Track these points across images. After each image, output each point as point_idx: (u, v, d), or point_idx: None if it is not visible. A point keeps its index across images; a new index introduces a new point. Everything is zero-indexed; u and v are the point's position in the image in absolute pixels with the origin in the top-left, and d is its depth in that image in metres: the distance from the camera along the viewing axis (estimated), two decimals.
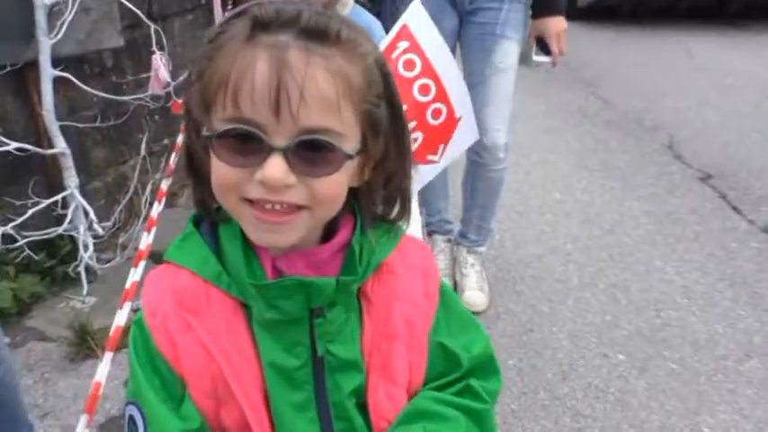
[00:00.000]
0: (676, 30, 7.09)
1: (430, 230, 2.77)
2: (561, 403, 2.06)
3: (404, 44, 1.63)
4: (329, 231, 0.78)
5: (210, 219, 0.79)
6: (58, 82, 2.45)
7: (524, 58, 2.39)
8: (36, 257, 2.47)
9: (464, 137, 1.74)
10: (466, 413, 0.82)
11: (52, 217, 2.55)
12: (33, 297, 2.51)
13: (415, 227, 3.09)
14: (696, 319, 2.48)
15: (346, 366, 0.78)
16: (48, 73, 2.40)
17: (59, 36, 2.39)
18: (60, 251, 2.58)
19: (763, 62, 5.81)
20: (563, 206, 3.38)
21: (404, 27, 1.63)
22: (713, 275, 2.77)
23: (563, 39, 2.31)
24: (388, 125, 0.74)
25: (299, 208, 0.70)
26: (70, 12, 2.41)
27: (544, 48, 2.34)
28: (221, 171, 0.69)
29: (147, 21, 2.80)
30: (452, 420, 0.81)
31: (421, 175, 1.75)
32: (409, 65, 1.64)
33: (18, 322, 2.42)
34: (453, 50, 2.37)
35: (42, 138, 2.52)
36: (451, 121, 1.68)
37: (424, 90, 1.65)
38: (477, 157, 2.44)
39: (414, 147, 1.64)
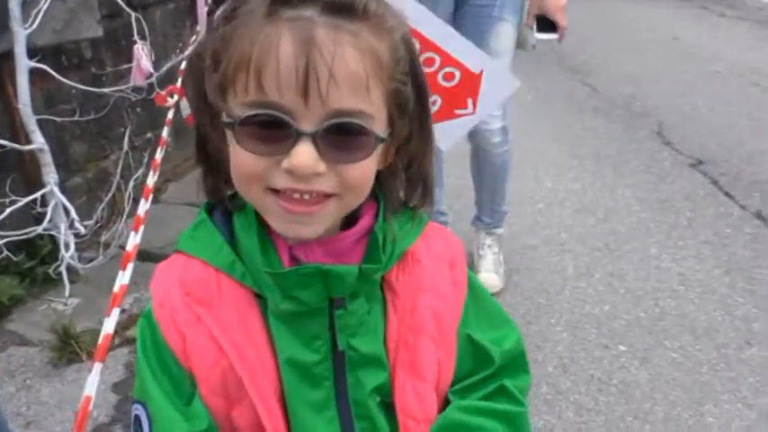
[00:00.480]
0: (663, 16, 7.09)
1: None
2: (564, 397, 2.02)
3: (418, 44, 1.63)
4: (350, 218, 0.73)
5: (223, 207, 0.74)
6: (34, 74, 2.35)
7: (521, 42, 2.35)
8: (15, 258, 2.37)
9: (499, 85, 1.74)
10: (502, 420, 0.77)
11: (31, 216, 2.45)
12: (13, 300, 2.41)
13: None
14: (694, 308, 2.45)
15: (369, 362, 0.73)
16: (23, 64, 2.30)
17: (35, 26, 2.29)
18: (40, 251, 2.49)
19: (748, 48, 5.82)
20: (555, 195, 3.34)
21: (415, 30, 1.61)
22: (709, 262, 2.74)
23: (564, 13, 2.28)
24: (413, 105, 0.70)
25: (328, 196, 0.66)
26: (46, 0, 2.31)
27: (544, 26, 2.30)
28: (244, 160, 0.64)
29: (127, 9, 2.70)
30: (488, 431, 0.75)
31: (455, 130, 1.77)
32: (429, 61, 1.66)
33: None
34: None
35: (19, 133, 2.42)
36: (472, 78, 1.69)
37: (429, 62, 1.65)
38: (476, 142, 2.46)
39: (433, 110, 1.64)
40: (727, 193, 3.32)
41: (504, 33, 2.28)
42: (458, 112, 1.71)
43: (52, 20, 2.43)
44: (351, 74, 0.62)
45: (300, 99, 0.61)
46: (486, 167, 2.54)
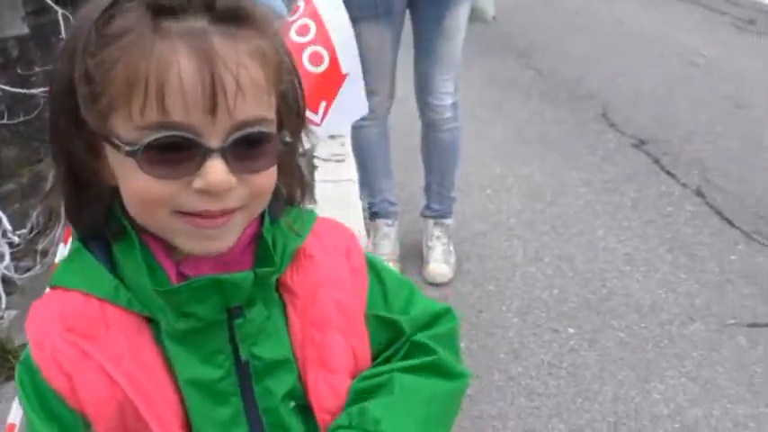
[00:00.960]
0: None
1: (372, 213, 2.70)
2: (516, 383, 2.05)
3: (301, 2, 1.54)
4: None
5: (100, 236, 0.70)
6: None
7: (479, 15, 2.36)
8: None
9: (351, 104, 1.58)
10: (414, 371, 0.76)
11: None
12: None
13: (355, 211, 3.03)
14: (639, 286, 2.51)
15: (275, 367, 0.71)
16: None
17: None
18: None
19: (687, 29, 5.96)
20: (504, 180, 3.37)
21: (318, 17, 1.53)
22: (653, 241, 2.81)
23: None
24: (295, 101, 0.70)
25: (236, 208, 0.64)
26: None
27: None
28: (149, 186, 0.61)
29: (53, 5, 2.58)
30: (385, 386, 0.74)
31: (344, 104, 1.59)
32: (304, 30, 1.53)
33: None
34: (403, 23, 2.33)
35: None
36: (336, 75, 1.54)
37: (304, 30, 1.52)
38: (426, 116, 2.50)
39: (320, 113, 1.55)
40: (668, 172, 3.41)
41: (458, 14, 2.31)
42: (307, 114, 1.58)
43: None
44: (253, 82, 0.61)
45: (208, 116, 0.59)
46: (434, 146, 2.57)
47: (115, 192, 0.66)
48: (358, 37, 2.32)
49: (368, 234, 2.79)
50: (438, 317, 0.83)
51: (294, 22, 1.53)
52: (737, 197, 3.11)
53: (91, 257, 0.69)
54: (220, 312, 0.67)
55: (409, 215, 2.91)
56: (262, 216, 0.71)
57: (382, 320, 0.78)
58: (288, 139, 0.67)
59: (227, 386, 0.69)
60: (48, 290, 0.71)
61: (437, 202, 2.65)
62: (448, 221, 2.67)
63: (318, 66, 1.53)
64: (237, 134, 0.61)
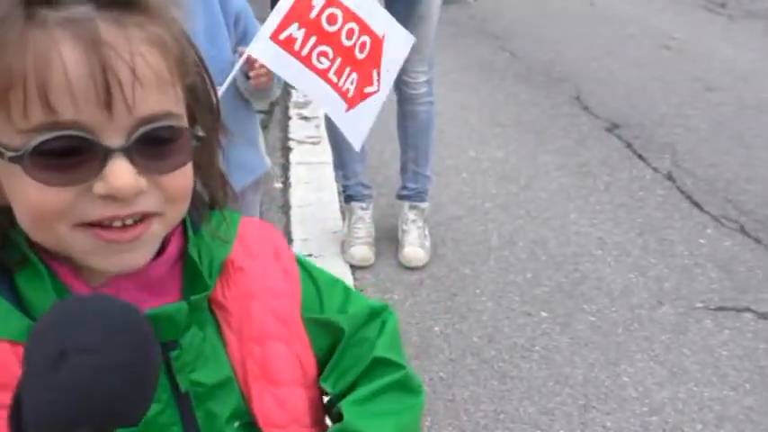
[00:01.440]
0: None
1: (347, 196, 2.69)
2: (489, 366, 2.07)
3: (319, 1, 1.51)
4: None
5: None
6: None
7: None
8: None
9: (396, 48, 1.66)
10: (393, 390, 0.75)
11: None
12: None
13: (329, 194, 3.01)
14: (611, 270, 2.55)
15: (216, 390, 0.67)
16: None
17: None
18: None
19: (658, 11, 6.01)
20: (479, 164, 3.38)
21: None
22: (624, 225, 2.85)
23: None
24: (205, 95, 0.64)
25: (150, 215, 0.58)
26: None
27: None
28: (42, 196, 0.53)
29: None
30: (393, 409, 0.73)
31: (367, 112, 1.67)
32: (332, 19, 1.53)
33: None
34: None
35: None
36: (377, 44, 1.58)
37: (350, 34, 1.55)
38: (401, 91, 2.53)
39: (352, 89, 1.59)
40: (640, 156, 3.45)
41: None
42: (366, 91, 1.60)
43: None
44: (153, 72, 0.54)
45: (103, 111, 0.52)
46: (410, 122, 2.59)
47: (9, 213, 0.58)
48: None
49: (343, 217, 2.78)
50: (376, 313, 0.80)
51: (320, 15, 1.50)
52: (707, 181, 3.17)
53: None
54: None
55: (385, 199, 2.91)
56: (185, 228, 0.66)
57: (321, 323, 0.75)
58: (200, 133, 0.61)
59: (167, 418, 0.64)
60: None
61: (413, 180, 2.65)
62: (423, 205, 2.67)
63: (364, 52, 1.55)
64: (142, 130, 0.54)
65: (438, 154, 3.41)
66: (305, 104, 3.91)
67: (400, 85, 2.50)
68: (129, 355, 0.48)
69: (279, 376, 0.69)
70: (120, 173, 0.53)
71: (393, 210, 2.78)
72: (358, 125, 1.68)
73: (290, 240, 2.70)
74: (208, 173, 0.67)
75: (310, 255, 2.59)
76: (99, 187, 0.53)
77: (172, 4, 0.59)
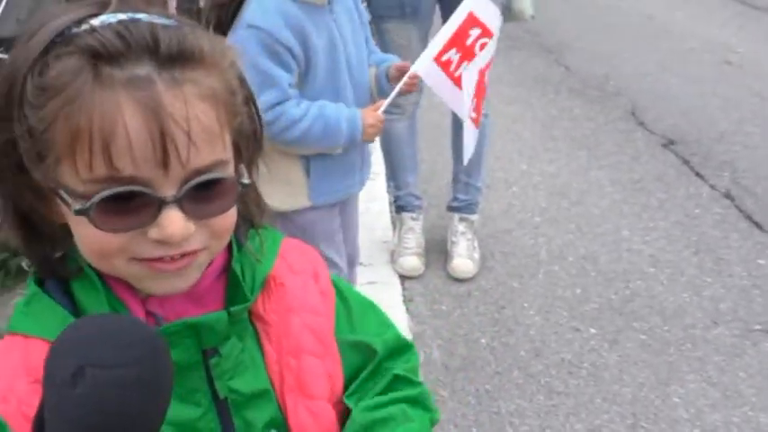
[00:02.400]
0: None
1: (398, 206, 2.73)
2: (535, 381, 2.07)
3: (475, 31, 1.67)
4: None
5: (57, 275, 0.66)
6: None
7: (516, 14, 2.37)
8: None
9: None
10: (407, 403, 0.78)
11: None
12: None
13: (381, 204, 3.06)
14: (663, 289, 2.51)
15: (253, 399, 0.70)
16: None
17: None
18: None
19: (720, 26, 5.85)
20: (530, 178, 3.37)
21: (470, 14, 1.67)
22: (679, 243, 2.80)
23: None
24: (251, 125, 0.68)
25: (197, 250, 0.63)
26: None
27: None
28: (101, 239, 0.59)
29: None
30: (399, 417, 0.76)
31: (474, 135, 1.92)
32: (483, 47, 1.71)
33: None
34: (431, 22, 2.35)
35: None
36: (483, 76, 1.80)
37: (487, 65, 1.77)
38: None
39: (473, 113, 1.79)
40: (697, 173, 3.38)
41: None
42: (477, 119, 1.84)
43: (16, 9, 2.37)
44: (206, 129, 0.58)
45: (160, 170, 0.57)
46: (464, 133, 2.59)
47: (67, 230, 0.63)
48: (385, 35, 2.37)
49: (393, 227, 2.82)
50: (406, 347, 0.83)
51: (474, 44, 1.68)
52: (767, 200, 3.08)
53: (50, 301, 0.65)
54: (196, 354, 0.66)
55: (435, 210, 2.94)
56: (230, 244, 0.69)
57: (354, 344, 0.78)
58: (245, 181, 0.64)
59: (207, 423, 0.67)
60: (5, 335, 0.66)
61: (463, 192, 2.67)
62: (473, 217, 2.69)
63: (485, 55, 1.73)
64: (193, 182, 0.58)
65: (489, 167, 3.43)
66: None
67: None
68: (142, 369, 0.50)
69: (312, 390, 0.73)
70: (172, 221, 0.58)
71: (443, 221, 2.81)
72: (472, 143, 1.87)
73: None
74: (249, 197, 0.70)
75: (360, 263, 2.64)
76: (153, 233, 0.59)
77: (228, 49, 0.63)
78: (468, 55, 1.66)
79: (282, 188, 1.61)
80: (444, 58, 1.62)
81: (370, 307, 0.84)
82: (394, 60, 1.70)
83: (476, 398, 1.99)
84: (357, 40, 1.64)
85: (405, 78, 1.64)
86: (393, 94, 1.64)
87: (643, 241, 2.81)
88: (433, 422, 0.80)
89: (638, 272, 2.61)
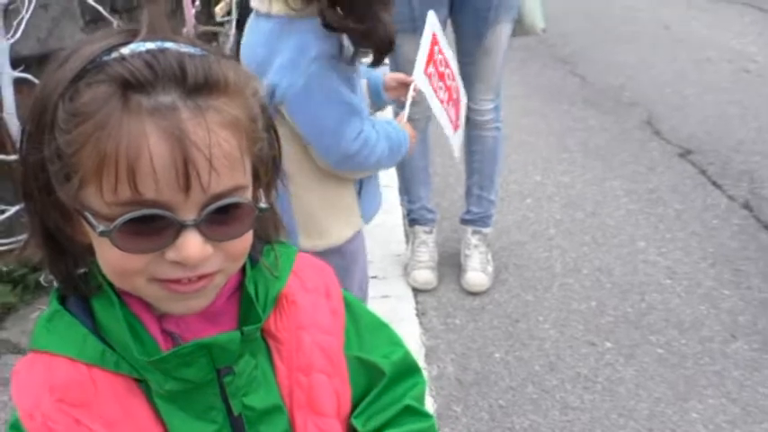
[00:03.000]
0: (652, 3, 7.05)
1: (411, 220, 2.73)
2: (550, 396, 2.05)
3: (437, 48, 1.77)
4: None
5: (79, 292, 0.69)
6: (20, 83, 2.35)
7: (528, 28, 2.40)
8: (6, 268, 2.39)
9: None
10: None
11: (21, 224, 2.46)
12: (5, 307, 2.43)
13: (394, 217, 3.06)
14: (680, 301, 2.48)
15: (266, 415, 0.72)
16: (6, 75, 2.30)
17: (17, 36, 2.29)
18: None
19: (738, 34, 5.80)
20: (544, 189, 3.35)
21: (434, 35, 1.76)
22: (696, 254, 2.76)
23: None
24: (269, 148, 0.69)
25: (213, 273, 0.65)
26: (27, 10, 2.31)
27: None
28: (123, 259, 0.62)
29: (109, 17, 2.69)
30: None
31: (459, 136, 2.01)
32: (442, 63, 1.80)
33: None
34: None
35: (6, 142, 2.42)
36: (458, 90, 1.92)
37: (450, 77, 1.83)
38: (467, 117, 2.55)
39: (453, 118, 1.87)
40: (715, 183, 3.34)
41: (499, 33, 2.35)
42: (459, 123, 1.95)
43: (35, 29, 2.42)
44: (227, 156, 0.60)
45: (181, 194, 0.59)
46: (477, 147, 2.59)
47: (90, 248, 0.65)
48: (397, 49, 2.38)
49: (407, 240, 2.82)
50: (414, 370, 0.84)
51: (438, 59, 1.77)
52: None
53: (72, 319, 0.68)
54: (210, 372, 0.68)
55: (448, 223, 2.94)
56: (244, 263, 0.71)
57: (363, 362, 0.79)
58: (263, 204, 0.66)
59: None
60: (29, 353, 0.69)
61: (477, 205, 2.66)
62: (486, 230, 2.68)
63: (449, 81, 1.84)
64: (212, 207, 0.61)
65: (503, 179, 3.42)
66: None
67: (467, 111, 2.54)
68: None
69: (322, 407, 0.74)
70: (191, 244, 0.60)
71: (456, 234, 2.80)
72: (458, 143, 2.01)
73: None
74: (264, 211, 0.72)
75: (374, 276, 2.64)
76: (171, 255, 0.61)
77: (252, 79, 0.65)
78: (437, 70, 1.77)
79: (339, 216, 1.54)
80: (429, 70, 1.71)
81: (380, 326, 0.84)
82: (379, 73, 1.69)
83: (489, 413, 1.97)
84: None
85: (411, 90, 1.65)
86: (407, 106, 1.65)
87: (659, 253, 2.78)
88: None
89: (655, 284, 2.58)
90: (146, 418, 0.68)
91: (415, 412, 0.80)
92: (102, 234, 0.60)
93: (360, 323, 0.81)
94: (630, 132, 3.99)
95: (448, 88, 1.83)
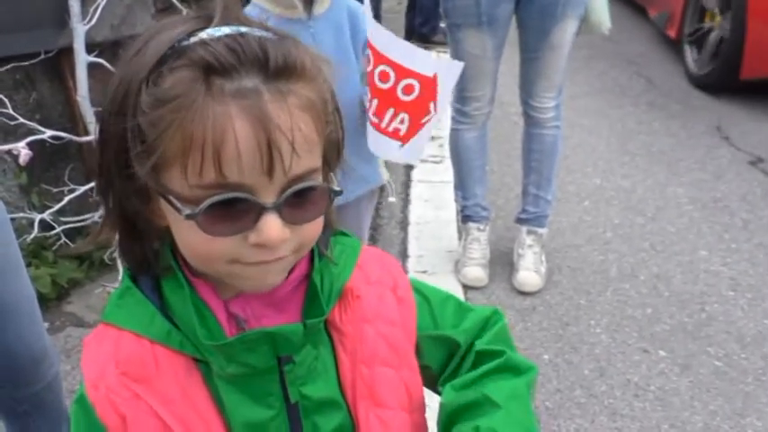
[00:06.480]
0: None
1: (464, 216, 2.71)
2: (598, 401, 2.00)
3: (372, 59, 1.63)
4: None
5: (150, 273, 0.71)
6: (93, 68, 2.45)
7: (594, 27, 2.35)
8: (73, 244, 2.50)
9: (448, 77, 1.69)
10: (496, 373, 0.77)
11: (89, 203, 2.57)
12: (71, 283, 2.55)
13: (448, 213, 3.05)
14: (743, 314, 2.38)
15: (323, 406, 0.73)
16: (82, 59, 2.39)
17: (93, 22, 2.38)
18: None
19: None
20: (603, 192, 3.27)
21: (370, 44, 1.62)
22: (762, 267, 2.65)
23: None
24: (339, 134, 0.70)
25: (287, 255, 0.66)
26: None
27: None
28: (207, 244, 0.63)
29: (178, 5, 2.77)
30: (484, 404, 0.74)
31: (424, 133, 1.73)
32: (384, 76, 1.64)
33: (57, 308, 2.46)
34: (507, 32, 2.35)
35: (78, 124, 2.53)
36: (429, 83, 1.66)
37: (384, 77, 1.63)
38: (528, 114, 2.53)
39: (403, 128, 1.69)
40: None
41: (565, 28, 2.31)
42: (423, 120, 1.69)
43: (110, 15, 2.52)
44: (306, 139, 0.61)
45: (265, 177, 0.60)
46: (534, 145, 2.55)
47: (166, 231, 0.67)
48: (459, 43, 2.38)
49: (459, 236, 2.81)
50: (487, 320, 0.84)
51: (373, 71, 1.63)
52: None
53: (142, 296, 0.70)
54: (271, 359, 0.69)
55: (503, 221, 2.91)
56: (311, 253, 0.72)
57: (436, 339, 0.80)
58: (337, 188, 0.67)
59: (278, 424, 0.71)
60: (100, 325, 0.72)
61: (533, 204, 2.62)
62: (542, 230, 2.64)
63: (412, 94, 1.64)
64: (291, 189, 0.62)
65: (560, 179, 3.36)
66: None
67: (527, 108, 2.51)
68: None
69: (384, 399, 0.74)
70: (272, 227, 0.61)
71: (510, 233, 2.77)
72: (416, 148, 1.75)
73: (405, 256, 2.77)
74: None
75: (425, 271, 2.64)
76: (253, 237, 0.62)
77: (323, 64, 0.66)
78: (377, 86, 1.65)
79: None
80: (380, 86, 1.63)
81: (447, 298, 0.85)
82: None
83: (535, 414, 1.94)
84: (340, 57, 1.61)
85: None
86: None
87: (723, 263, 2.68)
88: (529, 383, 0.79)
89: (716, 295, 2.49)
90: (202, 398, 0.69)
91: (487, 354, 0.80)
92: (188, 217, 0.61)
93: (431, 302, 0.82)
94: (698, 138, 3.84)
95: (382, 95, 1.66)
